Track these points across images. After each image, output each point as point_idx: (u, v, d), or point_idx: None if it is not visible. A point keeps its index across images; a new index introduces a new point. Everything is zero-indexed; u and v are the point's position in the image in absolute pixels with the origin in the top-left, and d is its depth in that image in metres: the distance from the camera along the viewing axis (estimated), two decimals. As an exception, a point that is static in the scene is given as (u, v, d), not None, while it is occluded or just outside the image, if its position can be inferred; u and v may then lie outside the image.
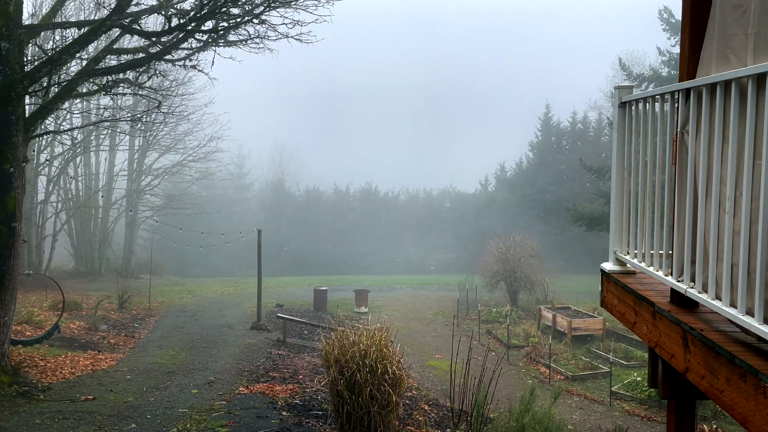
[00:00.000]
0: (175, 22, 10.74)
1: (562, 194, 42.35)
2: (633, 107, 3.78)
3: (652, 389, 3.74)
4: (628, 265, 3.95)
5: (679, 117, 3.14)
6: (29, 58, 13.49)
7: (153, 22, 20.76)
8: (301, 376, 12.07)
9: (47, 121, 21.68)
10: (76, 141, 28.24)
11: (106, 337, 16.10)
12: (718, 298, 2.67)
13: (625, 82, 27.79)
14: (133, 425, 8.51)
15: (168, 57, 12.55)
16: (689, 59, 3.29)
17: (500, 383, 9.30)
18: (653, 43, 33.08)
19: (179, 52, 12.87)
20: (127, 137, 32.28)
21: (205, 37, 12.33)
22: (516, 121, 62.72)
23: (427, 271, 42.53)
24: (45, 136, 24.30)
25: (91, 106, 26.82)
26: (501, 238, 26.88)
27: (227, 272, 39.89)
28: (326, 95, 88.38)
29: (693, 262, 2.96)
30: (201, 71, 13.17)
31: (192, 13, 10.79)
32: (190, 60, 12.93)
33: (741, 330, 2.63)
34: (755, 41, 2.68)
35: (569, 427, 11.97)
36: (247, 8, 11.59)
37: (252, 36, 12.22)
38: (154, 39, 12.22)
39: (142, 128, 30.26)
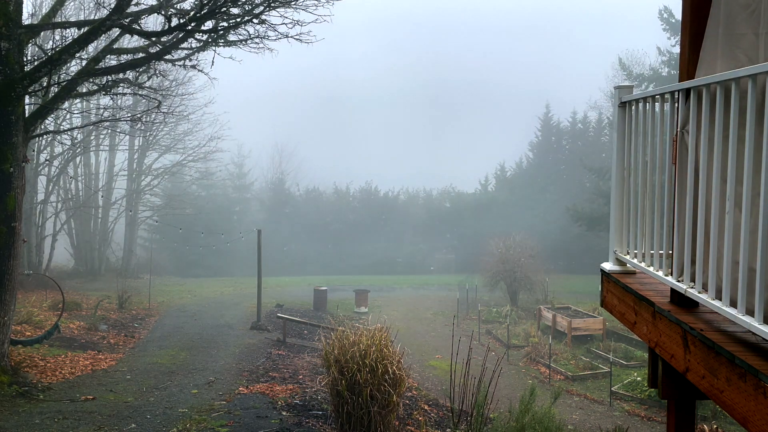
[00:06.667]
0: (175, 22, 10.73)
1: (562, 194, 42.33)
2: (633, 107, 3.78)
3: (652, 389, 3.74)
4: (628, 265, 3.95)
5: (679, 117, 3.13)
6: (29, 58, 13.47)
7: (153, 22, 20.78)
8: (301, 376, 12.08)
9: (47, 121, 21.69)
10: (76, 141, 28.23)
11: (105, 337, 16.09)
12: (718, 298, 2.67)
13: (625, 81, 27.81)
14: (133, 425, 8.51)
15: (168, 57, 12.55)
16: (689, 59, 3.29)
17: (500, 383, 9.29)
18: (653, 43, 33.12)
19: (179, 52, 12.87)
20: (127, 137, 32.27)
21: (205, 37, 12.33)
22: (516, 121, 62.72)
23: (427, 271, 42.50)
24: (45, 136, 24.30)
25: (91, 106, 26.81)
26: (501, 238, 26.87)
27: (227, 272, 39.86)
28: (326, 95, 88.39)
29: (693, 262, 2.96)
30: (201, 71, 13.19)
31: (192, 13, 10.78)
32: (190, 60, 12.93)
33: (741, 330, 2.63)
34: (766, 41, 2.69)
35: (569, 427, 11.96)
36: (247, 8, 11.58)
37: (252, 36, 12.22)
38: (154, 39, 12.22)
39: (142, 128, 30.25)
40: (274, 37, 12.26)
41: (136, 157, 34.73)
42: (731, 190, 2.56)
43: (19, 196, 10.41)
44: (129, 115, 24.30)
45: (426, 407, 10.73)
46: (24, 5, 11.26)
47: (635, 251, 3.77)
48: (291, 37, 12.21)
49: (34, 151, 23.66)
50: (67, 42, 11.35)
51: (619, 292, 3.90)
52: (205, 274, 38.50)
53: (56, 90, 11.75)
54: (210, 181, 43.99)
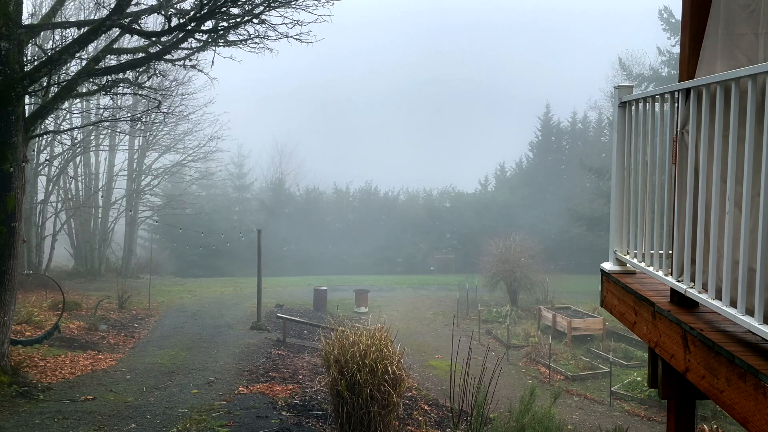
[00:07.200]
0: (174, 22, 10.73)
1: (562, 194, 42.32)
2: (633, 107, 3.78)
3: (652, 389, 3.73)
4: (628, 265, 3.95)
5: (679, 117, 3.14)
6: (29, 58, 13.47)
7: (153, 22, 20.77)
8: (301, 376, 12.07)
9: (47, 121, 21.68)
10: (76, 141, 28.22)
11: (105, 337, 16.09)
12: (718, 297, 2.67)
13: (625, 81, 27.80)
14: (133, 425, 8.51)
15: (168, 57, 12.54)
16: (689, 59, 3.29)
17: (500, 383, 9.30)
18: (653, 43, 33.14)
19: (179, 52, 12.87)
20: (127, 137, 32.23)
21: (205, 37, 12.33)
22: (516, 121, 62.68)
23: (427, 271, 42.49)
24: (45, 136, 24.29)
25: (91, 106, 26.80)
26: (501, 238, 26.87)
27: (227, 272, 39.86)
28: (326, 95, 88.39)
29: (693, 262, 2.96)
30: (201, 71, 13.19)
31: (192, 13, 10.78)
32: (190, 60, 12.93)
33: (741, 330, 2.63)
34: (766, 41, 2.70)
35: (569, 427, 11.97)
36: (247, 8, 11.58)
37: (252, 36, 12.22)
38: (154, 39, 12.22)
39: (142, 128, 30.24)
40: (274, 37, 12.26)
41: (136, 157, 34.70)
42: (731, 190, 2.56)
43: (19, 196, 10.41)
44: (129, 115, 24.30)
45: (426, 407, 10.73)
46: (24, 5, 11.26)
47: (635, 251, 3.77)
48: (291, 37, 12.21)
49: (34, 151, 23.66)
50: (67, 42, 11.36)
51: (619, 292, 3.90)
52: (205, 274, 38.49)
53: (56, 90, 11.75)
54: (210, 181, 43.94)
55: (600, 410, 13.72)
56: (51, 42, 15.01)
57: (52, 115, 21.88)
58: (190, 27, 11.02)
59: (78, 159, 30.96)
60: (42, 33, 16.30)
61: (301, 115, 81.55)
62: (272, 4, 11.49)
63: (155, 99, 16.80)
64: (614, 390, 14.52)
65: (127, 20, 11.05)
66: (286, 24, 11.86)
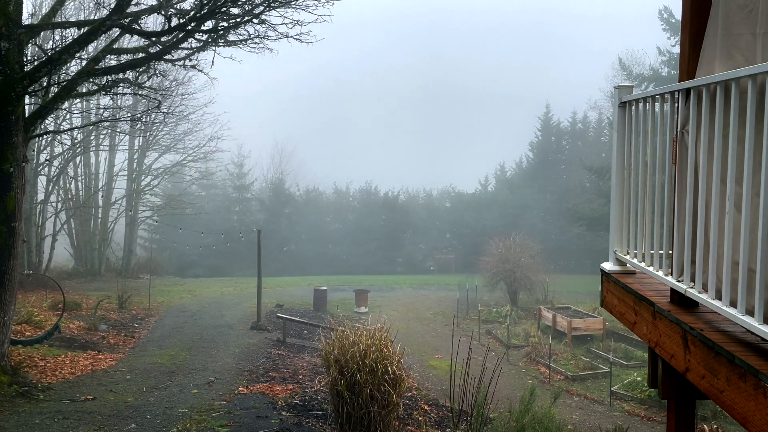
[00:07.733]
0: (174, 22, 10.74)
1: (562, 194, 42.32)
2: (633, 107, 3.78)
3: (652, 389, 3.74)
4: (628, 265, 3.95)
5: (679, 117, 3.14)
6: (29, 58, 13.48)
7: (153, 22, 20.78)
8: (301, 376, 12.08)
9: (47, 121, 21.68)
10: (75, 141, 28.22)
11: (105, 337, 16.09)
12: (718, 298, 2.67)
13: (625, 81, 27.78)
14: (133, 425, 8.52)
15: (168, 57, 12.55)
16: (689, 59, 3.29)
17: (500, 383, 9.30)
18: (653, 43, 33.22)
19: (179, 52, 12.87)
20: (127, 137, 32.24)
21: (205, 37, 12.33)
22: (516, 121, 62.74)
23: (427, 271, 42.49)
24: (45, 136, 24.30)
25: (91, 106, 26.81)
26: (501, 238, 26.87)
27: (227, 272, 39.85)
28: (326, 95, 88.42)
29: (693, 262, 2.96)
30: (201, 71, 13.20)
31: (192, 13, 10.78)
32: (190, 60, 12.93)
33: (741, 330, 2.63)
34: (764, 41, 2.70)
35: (569, 427, 11.97)
36: (247, 8, 11.59)
37: (252, 36, 12.23)
38: (154, 39, 12.22)
39: (142, 128, 30.26)
40: (274, 37, 12.27)
41: (136, 157, 34.70)
42: (731, 190, 2.56)
43: (19, 196, 10.41)
44: (129, 115, 24.32)
45: (426, 407, 10.73)
46: (24, 5, 11.26)
47: (635, 251, 3.77)
48: (291, 37, 12.21)
49: (34, 151, 23.65)
50: (67, 42, 11.36)
51: (619, 292, 3.90)
52: (205, 274, 38.48)
53: (56, 90, 11.75)
54: (210, 181, 43.96)
55: (600, 410, 13.72)
56: (51, 42, 15.01)
57: (52, 115, 21.88)
58: (190, 27, 11.02)
59: (78, 159, 30.96)
60: (42, 33, 16.31)
61: (301, 115, 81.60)
62: (272, 4, 11.49)
63: (155, 99, 16.82)
64: (614, 390, 14.52)
65: (127, 20, 11.06)
66: (286, 24, 11.88)
